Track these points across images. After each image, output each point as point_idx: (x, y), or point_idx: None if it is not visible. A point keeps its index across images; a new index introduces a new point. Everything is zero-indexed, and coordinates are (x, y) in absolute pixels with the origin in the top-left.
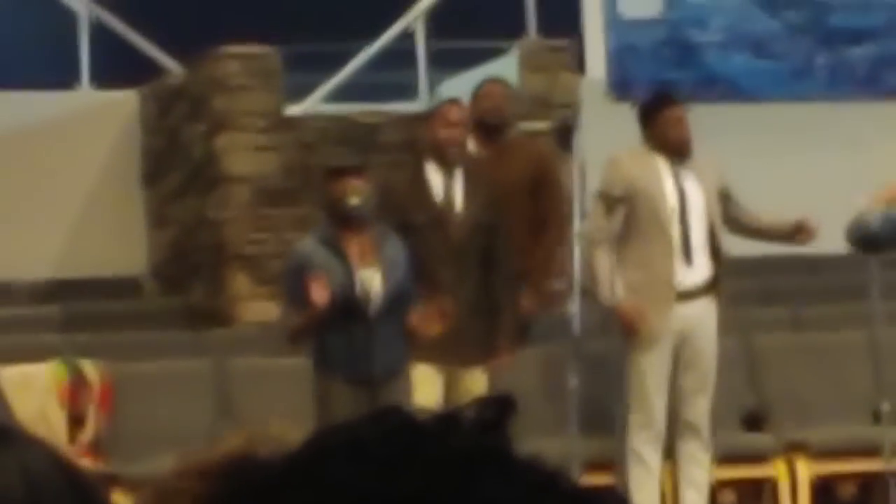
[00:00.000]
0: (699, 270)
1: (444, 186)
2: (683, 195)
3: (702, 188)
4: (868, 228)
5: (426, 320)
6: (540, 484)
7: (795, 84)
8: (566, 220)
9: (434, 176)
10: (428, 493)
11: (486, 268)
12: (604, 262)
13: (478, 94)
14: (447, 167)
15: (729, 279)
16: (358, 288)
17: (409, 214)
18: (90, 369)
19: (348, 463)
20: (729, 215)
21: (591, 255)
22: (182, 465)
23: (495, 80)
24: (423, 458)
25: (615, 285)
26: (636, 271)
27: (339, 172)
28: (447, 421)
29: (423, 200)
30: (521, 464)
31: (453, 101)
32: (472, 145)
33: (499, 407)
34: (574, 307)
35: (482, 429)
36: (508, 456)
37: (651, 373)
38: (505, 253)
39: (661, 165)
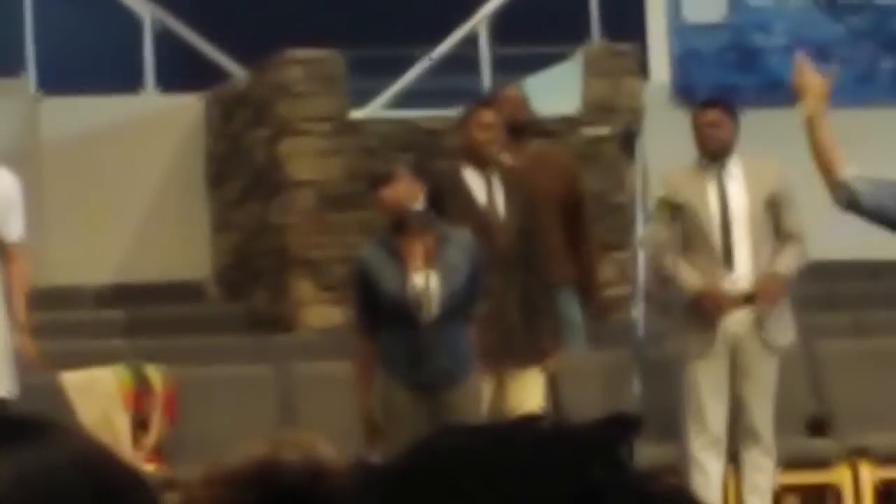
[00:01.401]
0: (746, 278)
1: (486, 192)
2: (725, 202)
3: (748, 194)
4: (857, 202)
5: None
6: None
7: (858, 89)
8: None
9: (474, 182)
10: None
11: (527, 272)
12: (671, 257)
13: (497, 99)
14: (485, 171)
15: (792, 285)
16: (411, 292)
17: (453, 223)
18: (154, 374)
19: (484, 476)
20: (776, 227)
21: (657, 256)
22: (208, 472)
23: (509, 87)
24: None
25: (690, 274)
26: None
27: (389, 178)
28: (585, 440)
29: (467, 208)
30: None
31: (485, 104)
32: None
33: (622, 426)
34: (637, 312)
35: (608, 449)
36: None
37: (705, 380)
38: (541, 257)
39: (707, 172)
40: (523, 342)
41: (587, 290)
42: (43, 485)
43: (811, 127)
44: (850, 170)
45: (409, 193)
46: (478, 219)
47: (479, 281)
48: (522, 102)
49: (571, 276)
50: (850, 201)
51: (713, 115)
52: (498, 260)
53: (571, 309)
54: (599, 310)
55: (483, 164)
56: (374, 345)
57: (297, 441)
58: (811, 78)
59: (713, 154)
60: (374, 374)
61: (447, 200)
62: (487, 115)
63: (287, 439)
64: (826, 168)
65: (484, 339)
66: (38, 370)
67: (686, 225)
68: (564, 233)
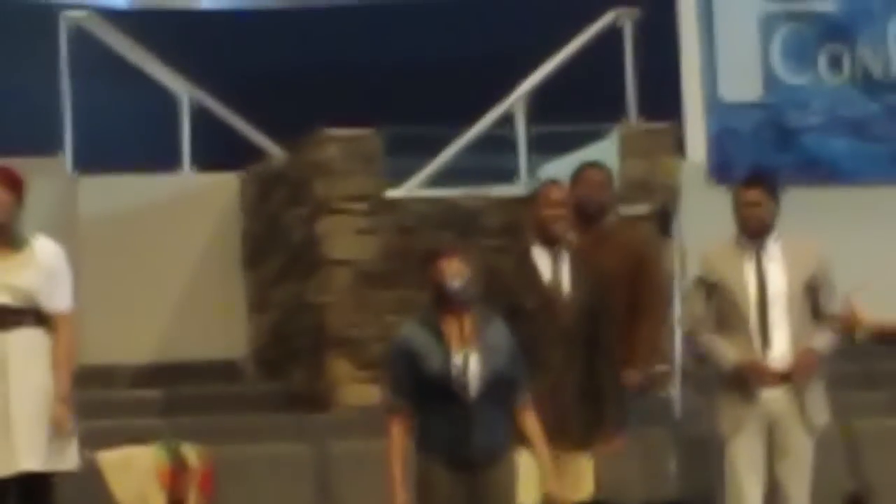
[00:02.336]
0: (782, 357)
1: (552, 269)
2: (763, 282)
3: (787, 275)
4: None
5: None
6: None
7: (894, 166)
8: (665, 306)
9: (541, 259)
10: None
11: (592, 352)
12: (707, 334)
13: (575, 179)
14: (553, 248)
15: (829, 363)
16: (454, 371)
17: (518, 298)
18: (191, 453)
19: None
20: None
21: (694, 332)
22: None
23: (592, 165)
24: None
25: (727, 348)
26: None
27: (437, 255)
28: None
29: (532, 284)
30: None
31: (554, 182)
32: (572, 232)
33: None
34: (675, 391)
35: None
36: None
37: (741, 458)
38: (609, 338)
39: (746, 251)
40: (579, 424)
41: (641, 365)
42: None
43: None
44: None
45: (458, 272)
46: (542, 295)
47: (518, 363)
48: (602, 182)
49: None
50: None
51: (754, 194)
52: (561, 338)
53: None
54: (643, 380)
55: (550, 241)
56: (409, 425)
57: None
58: (859, 315)
59: (753, 233)
60: (408, 454)
61: (510, 277)
62: (556, 193)
63: None
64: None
65: (543, 420)
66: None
67: (722, 303)
68: (630, 312)
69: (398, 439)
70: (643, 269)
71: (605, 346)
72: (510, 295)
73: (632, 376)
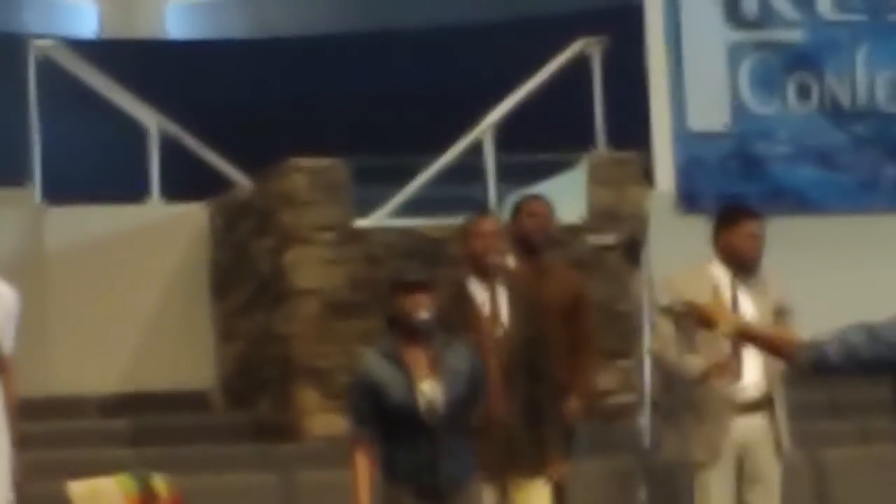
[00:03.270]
0: (755, 385)
1: (489, 301)
2: (736, 310)
3: (758, 305)
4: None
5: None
6: None
7: (862, 196)
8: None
9: (478, 291)
10: None
11: (533, 381)
12: (674, 351)
13: (521, 210)
14: (488, 280)
15: (796, 391)
16: (419, 400)
17: (456, 331)
18: (159, 483)
19: None
20: None
21: (661, 351)
22: None
23: (538, 198)
24: None
25: (694, 359)
26: (694, 386)
27: (408, 287)
28: None
29: (468, 318)
30: None
31: (485, 213)
32: (511, 260)
33: None
34: (644, 420)
35: None
36: None
37: (714, 487)
38: (549, 366)
39: (721, 279)
40: (527, 452)
41: (581, 395)
42: None
43: (744, 339)
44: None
45: (424, 303)
46: (481, 327)
47: (479, 387)
48: (550, 215)
49: (571, 384)
50: (816, 357)
51: (759, 226)
52: (501, 369)
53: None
54: (584, 406)
55: (484, 273)
56: (373, 455)
57: None
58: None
59: (752, 264)
60: (374, 484)
61: (451, 309)
62: (487, 225)
63: None
64: (778, 349)
65: (487, 449)
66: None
67: (691, 330)
68: (567, 341)
69: (363, 469)
70: (580, 305)
71: (546, 375)
72: (450, 329)
73: (572, 403)
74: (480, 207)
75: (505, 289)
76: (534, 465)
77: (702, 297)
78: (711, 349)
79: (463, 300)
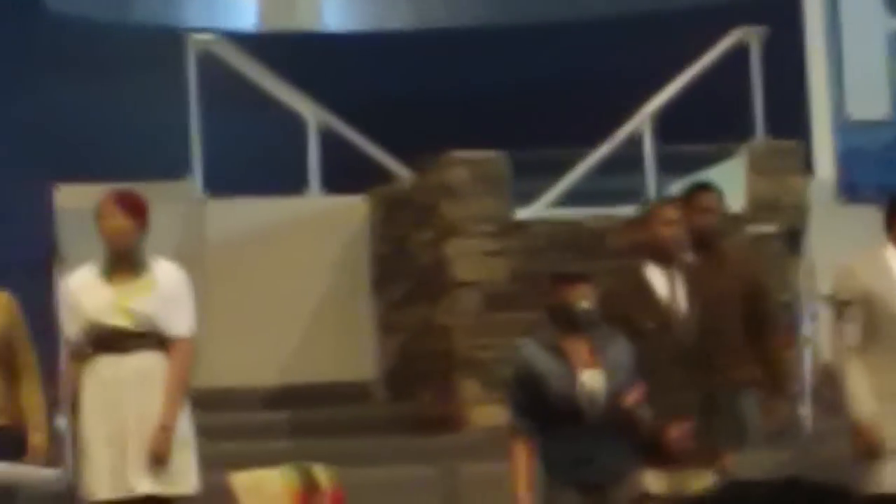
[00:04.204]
0: None
1: (668, 288)
2: None
3: None
4: None
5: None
6: None
7: None
8: (779, 329)
9: (657, 279)
10: None
11: (708, 371)
12: (857, 373)
13: (688, 201)
14: (669, 268)
15: None
16: (580, 391)
17: (635, 321)
18: (321, 475)
19: None
20: None
21: (844, 364)
22: None
23: (704, 187)
24: None
25: (865, 401)
26: (872, 378)
27: (569, 278)
28: None
29: (649, 304)
30: None
31: (668, 200)
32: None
33: None
34: (805, 410)
35: None
36: None
37: (888, 483)
38: (725, 357)
39: None
40: (700, 443)
41: (770, 391)
42: None
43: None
44: None
45: (586, 293)
46: (659, 315)
47: (637, 381)
48: (718, 205)
49: (752, 378)
50: None
51: None
52: (679, 359)
53: (749, 411)
54: (779, 412)
55: (666, 260)
56: (533, 445)
57: None
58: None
59: None
60: (534, 475)
61: (629, 296)
62: (671, 212)
63: None
64: None
65: (664, 437)
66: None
67: (875, 318)
68: (746, 332)
69: (521, 461)
70: (758, 292)
71: (722, 368)
72: (628, 318)
73: (776, 411)
74: (646, 197)
75: (683, 278)
76: (705, 456)
77: (881, 284)
78: (889, 342)
79: (641, 287)
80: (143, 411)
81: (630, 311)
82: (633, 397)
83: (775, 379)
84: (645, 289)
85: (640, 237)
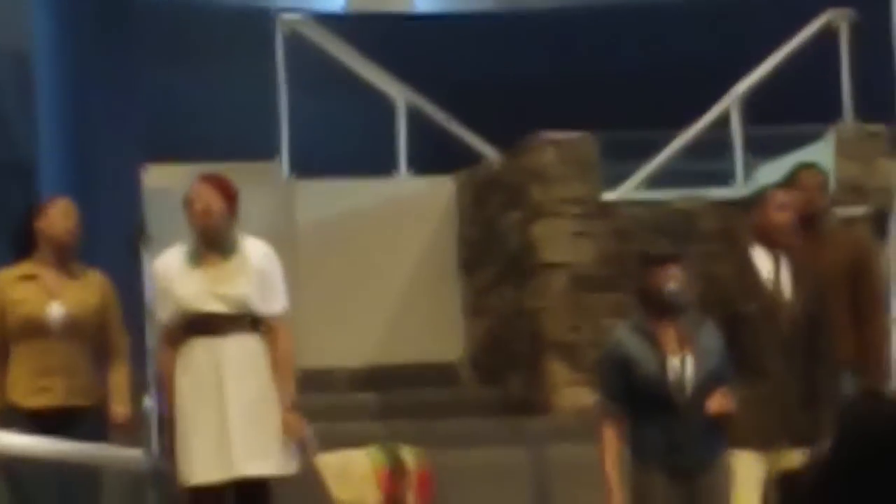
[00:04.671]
0: None
1: (773, 274)
2: None
3: None
4: None
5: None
6: None
7: None
8: (883, 307)
9: (763, 263)
10: None
11: (811, 359)
12: None
13: (791, 181)
14: (776, 254)
15: None
16: (671, 376)
17: (738, 305)
18: (409, 455)
19: None
20: None
21: None
22: None
23: (809, 167)
24: None
25: None
26: None
27: (658, 260)
28: None
29: (753, 289)
30: None
31: (781, 186)
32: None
33: None
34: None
35: None
36: None
37: None
38: (828, 346)
39: None
40: (801, 422)
41: (869, 373)
42: None
43: None
44: None
45: (676, 277)
46: (763, 301)
47: (727, 366)
48: (820, 186)
49: (852, 358)
50: None
51: None
52: (781, 344)
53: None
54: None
55: (774, 244)
56: (622, 429)
57: None
58: None
59: None
60: (622, 460)
61: (732, 282)
62: (784, 196)
63: None
64: None
65: (759, 421)
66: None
67: None
68: (850, 313)
69: (612, 443)
70: (864, 273)
71: (825, 354)
72: (729, 301)
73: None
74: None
75: (789, 263)
76: (806, 434)
77: None
78: None
79: (748, 271)
80: (244, 394)
81: (733, 294)
82: (718, 403)
83: (877, 363)
84: (750, 272)
85: (753, 221)
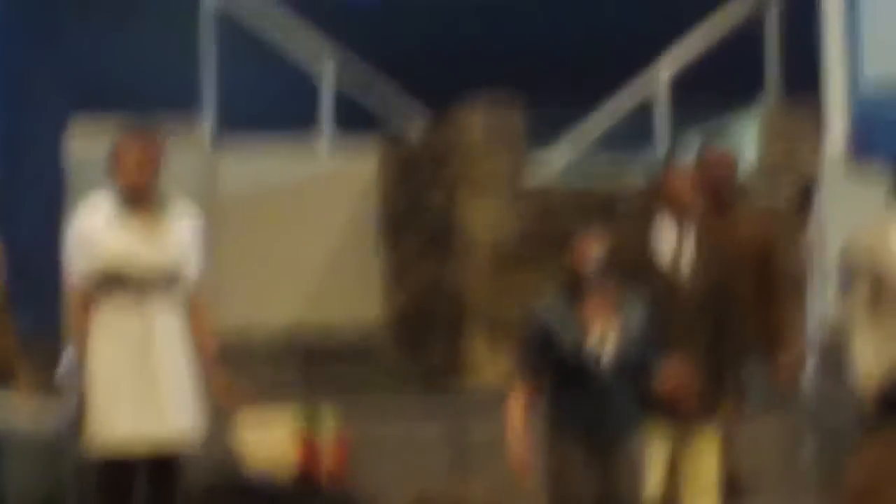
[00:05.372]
0: None
1: (677, 247)
2: None
3: None
4: None
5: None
6: None
7: None
8: (795, 291)
9: (667, 234)
10: None
11: (715, 332)
12: (861, 344)
13: (701, 159)
14: (682, 224)
15: None
16: (590, 350)
17: (639, 274)
18: (325, 424)
19: None
20: None
21: (850, 335)
22: None
23: (717, 146)
24: None
25: (871, 369)
26: (885, 345)
27: (580, 236)
28: None
29: (655, 263)
30: None
31: (682, 156)
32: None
33: None
34: (809, 376)
35: None
36: None
37: None
38: (734, 320)
39: None
40: (706, 397)
41: (774, 355)
42: None
43: None
44: None
45: (596, 252)
46: (664, 272)
47: (652, 341)
48: (733, 165)
49: (758, 341)
50: None
51: None
52: (683, 315)
53: (754, 374)
54: (783, 376)
55: (678, 213)
56: (533, 400)
57: (447, 491)
58: None
59: None
60: (530, 425)
61: (633, 253)
62: (688, 171)
63: (434, 490)
64: None
65: (669, 393)
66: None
67: (885, 284)
68: (757, 294)
69: (519, 413)
70: (774, 252)
71: (730, 330)
72: (632, 274)
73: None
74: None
75: (693, 235)
76: (707, 413)
77: (889, 254)
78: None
79: (648, 241)
80: (171, 356)
81: (636, 265)
82: (671, 383)
83: (782, 344)
84: (651, 243)
85: (657, 193)
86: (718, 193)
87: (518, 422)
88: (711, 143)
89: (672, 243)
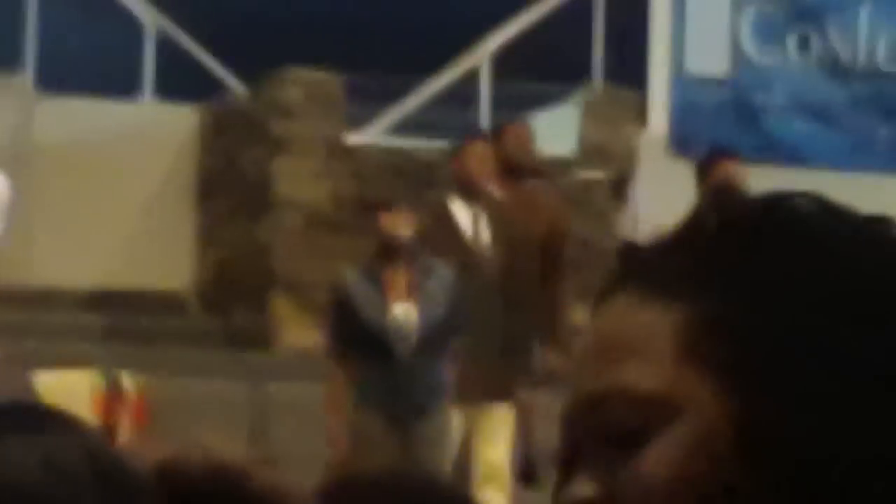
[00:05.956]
0: None
1: (472, 226)
2: None
3: None
4: None
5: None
6: None
7: (856, 156)
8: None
9: (462, 214)
10: None
11: (508, 310)
12: None
13: (500, 135)
14: (474, 204)
15: None
16: (392, 323)
17: (445, 250)
18: (128, 381)
19: None
20: None
21: None
22: None
23: (521, 122)
24: None
25: None
26: None
27: (389, 205)
28: None
29: (451, 240)
30: None
31: (480, 137)
32: (496, 188)
33: None
34: None
35: None
36: None
37: None
38: (524, 297)
39: None
40: (497, 378)
41: (550, 333)
42: (49, 481)
43: None
44: None
45: (404, 223)
46: (462, 252)
47: (459, 316)
48: (528, 140)
49: (540, 322)
50: None
51: (732, 167)
52: (479, 295)
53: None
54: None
55: (472, 196)
56: (348, 371)
57: (201, 443)
58: None
59: None
60: (347, 400)
61: (433, 230)
62: (483, 148)
63: (191, 442)
64: None
65: (462, 372)
66: None
67: None
68: (541, 275)
69: (338, 388)
70: (557, 237)
71: (521, 306)
72: (430, 252)
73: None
74: (474, 130)
75: (487, 214)
76: (499, 391)
77: None
78: None
79: (446, 222)
80: None
81: (434, 245)
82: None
83: (557, 327)
84: (448, 224)
85: (453, 172)
86: (513, 169)
87: (334, 391)
88: (507, 120)
89: (468, 224)
